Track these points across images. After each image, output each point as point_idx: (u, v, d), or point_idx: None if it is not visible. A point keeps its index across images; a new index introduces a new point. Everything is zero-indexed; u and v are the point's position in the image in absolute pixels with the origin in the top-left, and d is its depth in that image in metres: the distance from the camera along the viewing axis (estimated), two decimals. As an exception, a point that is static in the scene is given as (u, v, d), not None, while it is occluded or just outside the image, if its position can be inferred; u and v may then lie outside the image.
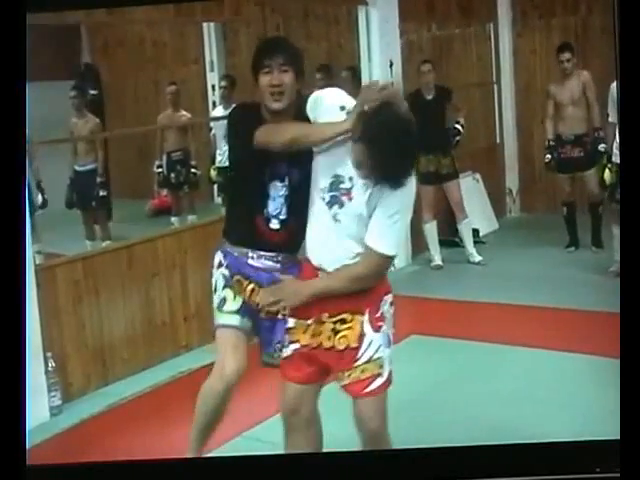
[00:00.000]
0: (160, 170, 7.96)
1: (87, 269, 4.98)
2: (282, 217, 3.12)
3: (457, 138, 7.08)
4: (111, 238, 7.21)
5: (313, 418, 3.09)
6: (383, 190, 2.79)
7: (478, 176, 8.20)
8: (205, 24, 8.46)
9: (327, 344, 2.95)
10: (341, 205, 2.87)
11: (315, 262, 2.98)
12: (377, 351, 2.93)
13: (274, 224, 3.13)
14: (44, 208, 6.60)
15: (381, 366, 2.93)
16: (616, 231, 5.81)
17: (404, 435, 3.74)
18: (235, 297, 3.18)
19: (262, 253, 3.18)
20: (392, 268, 7.11)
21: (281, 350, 3.09)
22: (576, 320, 5.42)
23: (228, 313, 3.18)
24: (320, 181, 2.92)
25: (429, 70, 6.94)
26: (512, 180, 8.82)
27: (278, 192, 3.11)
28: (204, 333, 5.32)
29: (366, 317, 2.92)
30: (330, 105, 2.93)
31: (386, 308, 2.97)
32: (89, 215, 7.38)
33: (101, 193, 7.25)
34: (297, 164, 3.04)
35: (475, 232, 7.47)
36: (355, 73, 7.37)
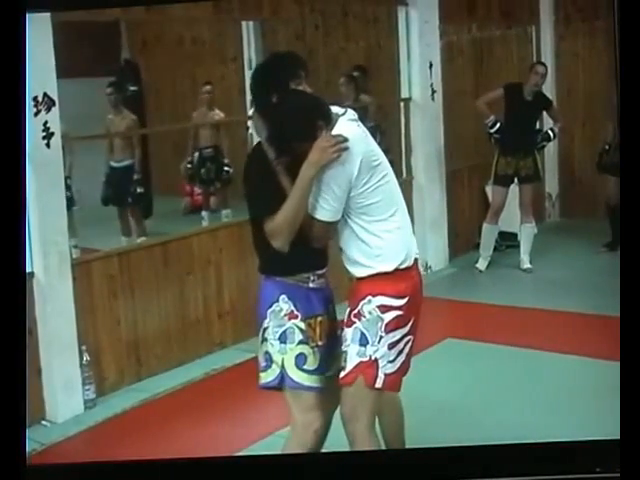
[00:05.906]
0: (189, 166, 7.99)
1: (122, 264, 4.99)
2: None
3: (544, 143, 7.03)
4: (147, 234, 7.23)
5: None
6: None
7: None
8: (244, 22, 8.46)
9: None
10: None
11: None
12: (343, 344, 2.97)
13: None
14: (71, 207, 6.60)
15: (345, 359, 2.95)
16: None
17: (426, 435, 3.71)
18: (314, 353, 2.97)
19: (321, 272, 3.03)
20: (428, 270, 7.08)
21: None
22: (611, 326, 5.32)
23: (309, 373, 2.95)
24: None
25: (544, 74, 6.84)
26: (552, 184, 8.71)
27: None
28: (238, 331, 5.33)
29: (347, 312, 2.99)
30: None
31: (368, 308, 2.93)
32: (125, 211, 7.41)
33: (138, 190, 7.28)
34: None
35: (513, 236, 7.38)
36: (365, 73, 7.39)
